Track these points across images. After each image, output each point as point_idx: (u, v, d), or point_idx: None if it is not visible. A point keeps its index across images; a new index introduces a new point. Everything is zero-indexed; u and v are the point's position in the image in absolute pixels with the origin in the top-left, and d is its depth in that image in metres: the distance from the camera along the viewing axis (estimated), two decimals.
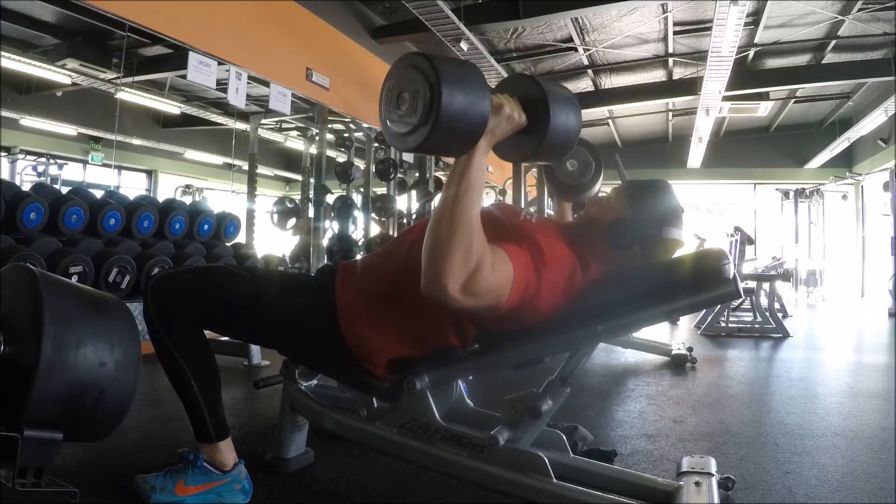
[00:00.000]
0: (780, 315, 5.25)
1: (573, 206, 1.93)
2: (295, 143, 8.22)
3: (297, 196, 5.81)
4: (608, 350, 3.85)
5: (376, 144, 5.52)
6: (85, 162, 8.07)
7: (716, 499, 1.36)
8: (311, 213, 5.15)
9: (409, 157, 6.13)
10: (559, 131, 1.22)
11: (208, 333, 1.53)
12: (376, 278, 1.44)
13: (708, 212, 11.95)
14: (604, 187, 1.83)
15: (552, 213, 1.94)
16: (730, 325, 5.03)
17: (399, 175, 5.92)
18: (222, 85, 3.68)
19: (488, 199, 8.01)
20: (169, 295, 1.45)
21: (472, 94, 1.08)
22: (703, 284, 1.29)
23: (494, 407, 1.49)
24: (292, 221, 5.34)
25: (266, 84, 4.17)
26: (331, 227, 5.31)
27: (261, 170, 5.49)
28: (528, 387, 1.39)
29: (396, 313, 1.39)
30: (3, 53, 5.06)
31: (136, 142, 7.95)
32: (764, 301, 5.14)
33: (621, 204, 1.41)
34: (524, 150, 1.27)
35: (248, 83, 3.86)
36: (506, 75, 6.22)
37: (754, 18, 5.84)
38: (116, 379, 1.27)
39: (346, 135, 5.80)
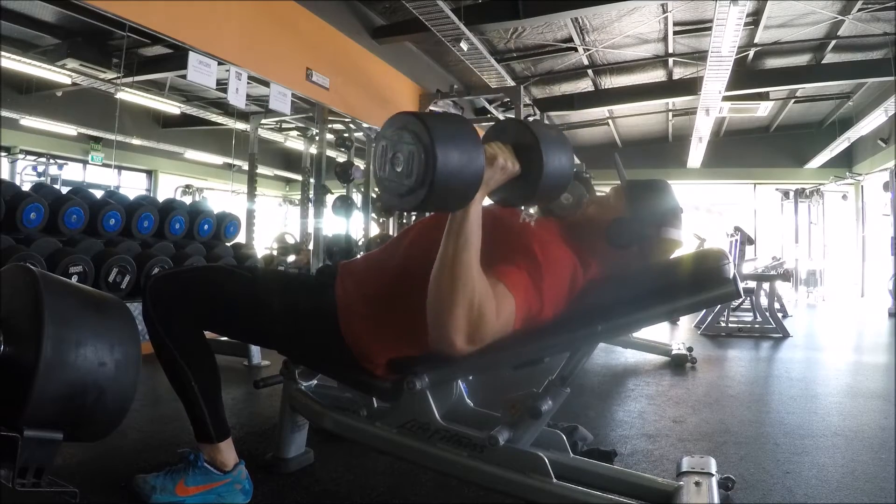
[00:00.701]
0: (780, 315, 5.25)
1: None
2: (295, 143, 8.22)
3: (295, 233, 5.83)
4: (608, 350, 3.85)
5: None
6: (85, 162, 8.07)
7: (716, 499, 1.36)
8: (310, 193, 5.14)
9: None
10: (553, 176, 1.22)
11: (208, 333, 1.53)
12: (376, 278, 1.44)
13: (708, 212, 11.95)
14: (603, 187, 1.82)
15: None
16: (730, 325, 5.03)
17: None
18: (222, 85, 3.68)
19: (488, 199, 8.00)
20: (169, 295, 1.45)
21: (468, 152, 1.08)
22: (703, 284, 1.29)
23: (494, 407, 1.49)
24: (292, 258, 5.38)
25: (266, 84, 4.17)
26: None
27: (261, 170, 5.49)
28: (528, 387, 1.39)
29: (397, 313, 1.39)
30: (3, 53, 5.06)
31: (136, 142, 7.94)
32: (764, 301, 5.14)
33: (621, 204, 1.41)
34: (518, 197, 1.27)
35: (248, 83, 3.86)
36: (506, 75, 6.23)
37: (754, 18, 5.84)
38: (116, 379, 1.27)
39: (346, 135, 5.80)
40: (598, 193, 1.71)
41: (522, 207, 1.40)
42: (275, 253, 5.40)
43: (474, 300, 1.14)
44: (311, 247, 5.16)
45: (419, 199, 1.08)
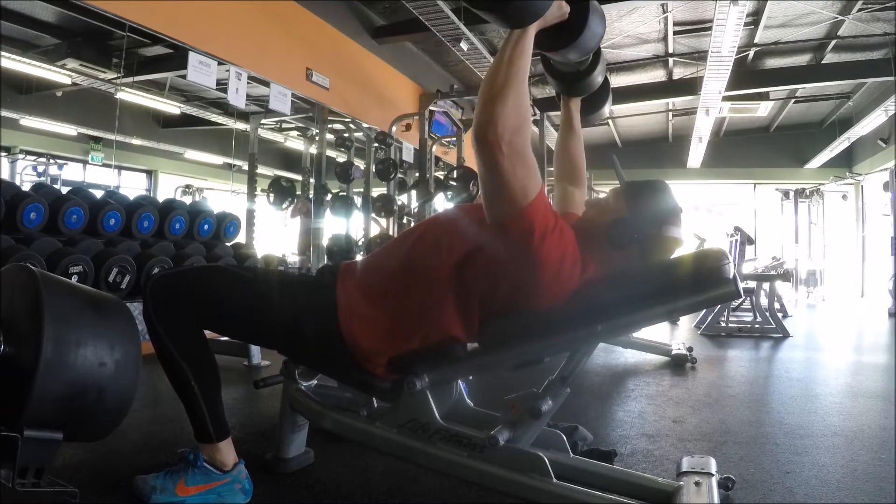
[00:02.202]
0: (780, 315, 5.25)
1: (583, 119, 1.93)
2: (295, 143, 8.22)
3: (294, 176, 5.79)
4: (608, 350, 3.85)
5: (376, 144, 5.51)
6: (85, 162, 8.06)
7: (716, 499, 1.36)
8: (310, 193, 5.13)
9: (409, 157, 6.12)
10: (592, 33, 1.42)
11: (208, 333, 1.53)
12: (377, 277, 1.44)
13: (708, 212, 11.95)
14: (602, 188, 1.83)
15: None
16: (730, 325, 5.03)
17: (399, 175, 5.91)
18: (222, 85, 3.68)
19: None
20: (169, 295, 1.44)
21: None
22: (703, 284, 1.29)
23: (494, 407, 1.49)
24: (289, 203, 5.33)
25: (266, 84, 4.17)
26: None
27: (261, 170, 5.48)
28: (528, 387, 1.39)
29: (398, 312, 1.39)
30: (3, 53, 5.06)
31: (136, 142, 7.93)
32: (764, 301, 5.14)
33: (620, 204, 1.42)
34: (557, 42, 1.43)
35: (248, 83, 3.86)
36: None
37: (754, 18, 5.84)
38: (116, 379, 1.27)
39: (346, 135, 5.80)
40: (597, 195, 1.71)
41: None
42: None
43: (522, 105, 1.22)
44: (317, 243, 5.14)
45: None
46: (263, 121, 5.79)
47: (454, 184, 5.46)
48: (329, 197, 5.31)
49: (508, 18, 1.28)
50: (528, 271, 1.30)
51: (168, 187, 9.24)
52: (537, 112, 7.91)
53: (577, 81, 1.84)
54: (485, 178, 1.27)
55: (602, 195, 1.57)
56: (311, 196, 5.31)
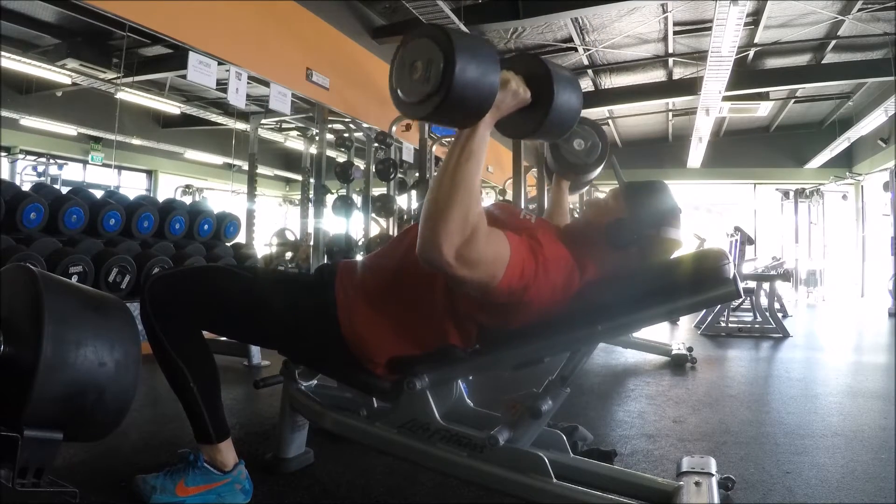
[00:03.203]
0: (780, 315, 5.25)
1: (571, 187, 1.94)
2: (295, 143, 8.22)
3: (294, 230, 5.82)
4: (608, 350, 3.85)
5: (376, 144, 5.51)
6: (85, 162, 8.07)
7: (716, 499, 1.36)
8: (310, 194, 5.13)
9: (409, 157, 6.12)
10: (562, 109, 1.24)
11: (208, 333, 1.53)
12: (376, 277, 1.44)
13: (708, 212, 11.95)
14: (601, 188, 1.84)
15: (548, 195, 1.94)
16: (730, 325, 5.03)
17: (399, 175, 5.92)
18: (222, 85, 3.68)
19: (488, 199, 8.01)
20: (167, 296, 1.44)
21: (485, 67, 1.10)
22: (703, 284, 1.29)
23: (494, 407, 1.49)
24: (290, 255, 5.37)
25: (266, 84, 4.17)
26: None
27: (261, 170, 5.49)
28: (528, 387, 1.39)
29: (396, 311, 1.39)
30: (3, 53, 5.06)
31: (136, 142, 7.94)
32: (764, 301, 5.14)
33: (619, 205, 1.42)
34: (526, 127, 1.28)
35: (248, 83, 3.86)
36: None
37: (754, 18, 5.84)
38: (116, 379, 1.27)
39: (346, 135, 5.80)
40: (597, 195, 1.72)
41: (523, 208, 1.41)
42: (274, 249, 5.37)
43: (469, 215, 1.14)
44: (311, 243, 5.15)
45: (433, 106, 1.10)
46: (263, 121, 5.79)
47: None
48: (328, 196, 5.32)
49: (451, 120, 1.17)
50: (520, 312, 1.31)
51: (168, 187, 9.25)
52: None
53: (579, 172, 1.83)
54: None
55: (602, 195, 1.57)
56: (311, 196, 5.31)
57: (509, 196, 7.84)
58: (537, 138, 1.38)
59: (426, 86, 1.10)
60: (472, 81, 1.08)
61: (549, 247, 1.31)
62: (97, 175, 8.19)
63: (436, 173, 1.20)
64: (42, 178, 7.01)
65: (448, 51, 1.07)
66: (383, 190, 5.99)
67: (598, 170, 1.86)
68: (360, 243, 5.32)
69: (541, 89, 1.22)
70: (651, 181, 1.46)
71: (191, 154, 9.30)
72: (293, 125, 6.50)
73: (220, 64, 3.57)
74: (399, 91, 1.17)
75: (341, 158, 6.41)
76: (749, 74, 7.16)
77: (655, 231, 1.37)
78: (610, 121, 9.72)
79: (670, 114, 9.52)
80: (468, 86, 1.08)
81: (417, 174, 6.31)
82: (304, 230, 5.58)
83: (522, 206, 5.60)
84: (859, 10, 5.57)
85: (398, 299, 1.39)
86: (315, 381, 1.71)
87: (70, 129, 7.59)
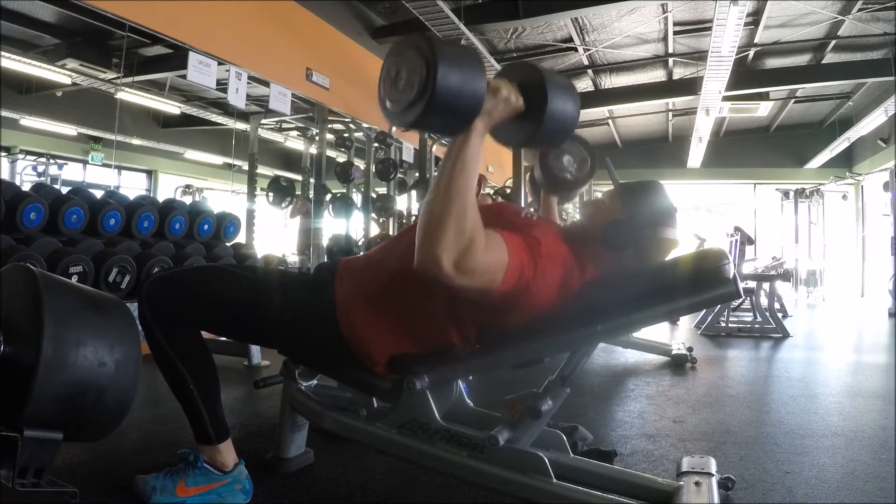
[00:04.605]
0: (780, 315, 5.25)
1: (559, 199, 1.93)
2: (295, 143, 8.22)
3: (294, 176, 5.80)
4: (608, 350, 3.85)
5: (376, 144, 5.52)
6: (85, 162, 8.07)
7: (716, 499, 1.36)
8: (310, 193, 5.14)
9: (409, 156, 6.13)
10: (557, 117, 1.23)
11: (207, 333, 1.52)
12: (375, 276, 1.43)
13: (708, 212, 11.96)
14: (597, 189, 1.84)
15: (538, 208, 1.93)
16: (730, 325, 5.03)
17: (399, 175, 5.92)
18: (222, 85, 3.68)
19: (487, 199, 8.00)
20: (165, 297, 1.43)
21: (468, 73, 1.12)
22: (703, 284, 1.28)
23: (494, 407, 1.49)
24: (288, 202, 5.33)
25: (266, 84, 4.17)
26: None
27: (261, 170, 5.49)
28: (528, 387, 1.39)
29: (396, 310, 1.39)
30: (3, 53, 5.06)
31: (136, 142, 7.94)
32: (764, 301, 5.14)
33: (615, 206, 1.42)
34: (522, 135, 1.28)
35: (248, 83, 3.86)
36: None
37: (754, 18, 5.84)
38: (116, 379, 1.27)
39: (346, 135, 5.81)
40: (594, 196, 1.72)
41: (523, 207, 1.41)
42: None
43: (465, 225, 1.14)
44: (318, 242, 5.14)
45: (416, 114, 1.11)
46: (263, 121, 5.79)
47: None
48: (328, 197, 5.32)
49: (437, 127, 1.18)
50: (519, 312, 1.31)
51: (168, 187, 9.24)
52: None
53: (569, 188, 1.82)
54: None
55: (599, 195, 1.57)
56: (310, 196, 5.31)
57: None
58: (534, 146, 1.38)
59: (410, 93, 1.12)
60: (456, 87, 1.09)
61: (547, 244, 1.31)
62: (97, 175, 8.19)
63: (431, 184, 1.19)
64: (42, 178, 7.01)
65: (430, 58, 1.08)
66: (383, 190, 5.99)
67: (586, 186, 1.85)
68: (360, 243, 5.32)
69: (535, 97, 1.22)
70: (646, 181, 1.46)
71: (191, 154, 9.30)
72: (293, 125, 6.50)
73: (220, 64, 3.57)
74: (387, 101, 1.19)
75: (341, 158, 6.42)
76: (749, 74, 7.16)
77: (652, 231, 1.38)
78: (610, 121, 9.73)
79: (670, 114, 9.52)
80: (452, 91, 1.09)
81: (417, 174, 6.32)
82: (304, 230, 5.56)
83: (523, 205, 5.59)
84: (859, 10, 5.58)
85: (398, 298, 1.38)
86: (315, 381, 1.71)
87: (70, 129, 7.59)
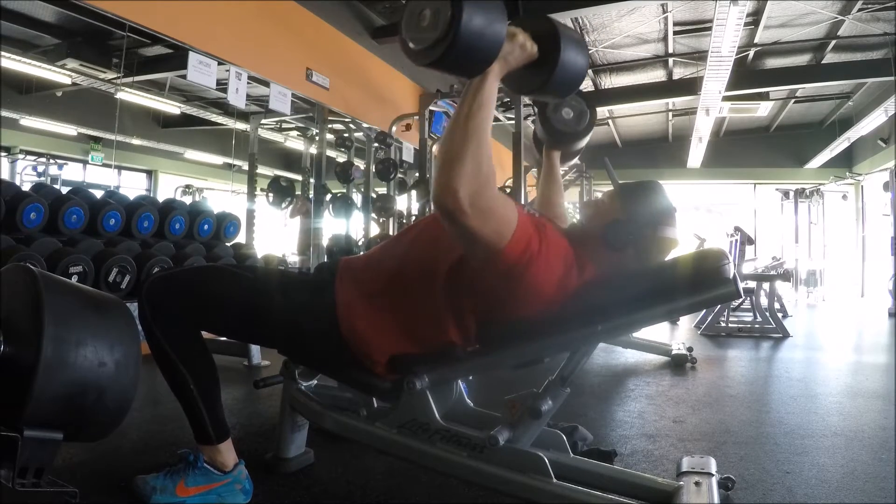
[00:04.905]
0: (780, 315, 5.25)
1: (561, 157, 1.93)
2: (295, 143, 8.22)
3: (294, 176, 5.78)
4: (608, 350, 3.85)
5: (376, 144, 5.51)
6: (85, 162, 8.05)
7: (716, 499, 1.36)
8: (310, 193, 5.13)
9: (409, 156, 6.12)
10: (568, 67, 1.27)
11: (207, 333, 1.52)
12: (376, 276, 1.44)
13: (708, 212, 11.96)
14: (601, 188, 1.85)
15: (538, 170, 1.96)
16: (730, 325, 5.03)
17: (399, 175, 5.92)
18: (222, 85, 3.68)
19: None
20: (165, 297, 1.43)
21: (491, 16, 1.14)
22: (703, 284, 1.28)
23: (494, 407, 1.49)
24: (288, 203, 5.33)
25: (266, 84, 4.17)
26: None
27: (261, 170, 5.48)
28: (528, 387, 1.39)
29: (396, 310, 1.39)
30: (3, 53, 5.06)
31: (136, 142, 7.93)
32: (764, 301, 5.14)
33: (615, 206, 1.42)
34: (533, 83, 1.31)
35: (248, 83, 3.86)
36: None
37: (754, 18, 5.84)
38: (116, 379, 1.27)
39: (346, 135, 5.80)
40: (595, 196, 1.72)
41: (525, 204, 1.42)
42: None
43: (482, 163, 1.16)
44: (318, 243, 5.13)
45: (439, 53, 1.13)
46: (263, 121, 5.78)
47: None
48: (328, 197, 5.31)
49: (458, 67, 1.19)
50: (519, 297, 1.31)
51: (168, 187, 9.23)
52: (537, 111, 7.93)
53: (569, 141, 1.85)
54: (454, 234, 1.24)
55: (599, 196, 1.58)
56: (310, 196, 5.31)
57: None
58: (544, 95, 1.42)
59: (434, 32, 1.14)
60: (479, 28, 1.12)
61: (552, 235, 1.33)
62: (97, 175, 8.17)
63: (446, 126, 1.21)
64: (42, 178, 7.01)
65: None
66: (383, 190, 5.99)
67: (587, 139, 1.88)
68: (360, 243, 5.32)
69: (548, 47, 1.26)
70: (645, 181, 1.46)
71: (191, 154, 9.28)
72: (293, 125, 6.49)
73: (220, 64, 3.57)
74: (408, 39, 1.20)
75: (341, 158, 6.41)
76: (749, 74, 7.16)
77: (652, 231, 1.38)
78: (610, 121, 9.72)
79: (670, 114, 9.52)
80: (475, 32, 1.11)
81: (417, 174, 6.32)
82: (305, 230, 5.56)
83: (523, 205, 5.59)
84: (859, 10, 5.58)
85: (398, 298, 1.39)
86: (315, 381, 1.71)
87: (70, 129, 7.57)
